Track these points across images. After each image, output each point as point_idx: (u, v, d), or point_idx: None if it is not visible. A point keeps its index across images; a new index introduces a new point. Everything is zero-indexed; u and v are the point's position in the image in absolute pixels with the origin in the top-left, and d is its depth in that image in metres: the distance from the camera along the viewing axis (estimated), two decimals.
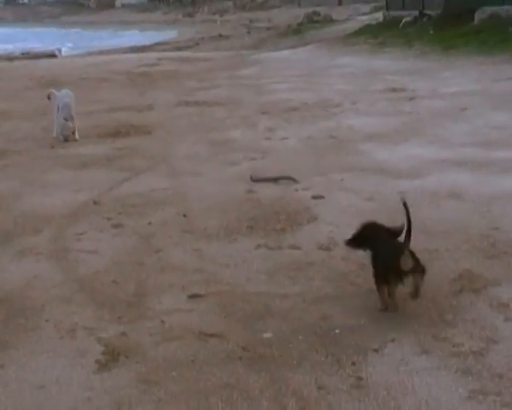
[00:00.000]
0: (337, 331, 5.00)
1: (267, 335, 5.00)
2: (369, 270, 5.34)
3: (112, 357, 4.81)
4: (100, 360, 4.79)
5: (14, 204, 8.45)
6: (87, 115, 14.47)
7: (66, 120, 11.82)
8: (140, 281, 6.05)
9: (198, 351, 4.84)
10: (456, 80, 16.70)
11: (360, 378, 4.42)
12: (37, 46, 43.81)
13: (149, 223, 7.49)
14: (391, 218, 6.88)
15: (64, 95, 12.37)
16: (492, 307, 5.23)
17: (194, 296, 5.70)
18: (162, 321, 5.30)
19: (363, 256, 6.13)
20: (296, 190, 8.36)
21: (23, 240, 7.17)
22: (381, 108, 13.74)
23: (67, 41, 52.08)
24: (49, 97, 12.99)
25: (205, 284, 5.92)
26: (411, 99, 14.47)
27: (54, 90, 12.86)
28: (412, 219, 5.13)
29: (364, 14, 47.95)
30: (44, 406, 4.30)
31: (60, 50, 37.22)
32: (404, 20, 30.38)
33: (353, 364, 4.58)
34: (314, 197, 8.02)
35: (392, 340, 4.84)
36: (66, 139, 11.90)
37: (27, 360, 4.84)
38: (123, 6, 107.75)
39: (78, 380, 4.56)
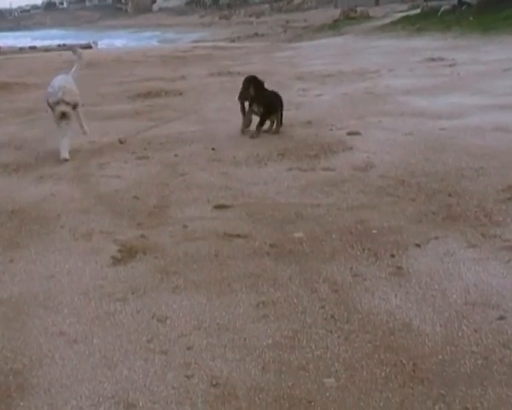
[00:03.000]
0: (374, 232, 4.57)
1: (298, 234, 4.59)
2: None
3: (128, 254, 4.44)
4: (115, 256, 4.42)
5: (37, 146, 8.12)
6: (118, 85, 14.26)
7: None
8: (162, 196, 5.68)
9: (222, 248, 4.44)
10: (497, 52, 16.11)
11: (400, 268, 3.98)
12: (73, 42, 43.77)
13: (175, 155, 7.12)
14: (432, 150, 6.48)
15: None
16: None
17: (219, 207, 5.31)
18: (184, 226, 4.91)
19: (402, 175, 5.74)
20: (331, 129, 7.92)
21: (44, 169, 6.84)
22: (419, 73, 13.23)
23: (104, 39, 52.10)
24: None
25: (232, 198, 5.53)
26: (451, 66, 13.93)
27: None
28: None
29: (402, 11, 47.15)
30: (53, 291, 3.94)
31: (96, 43, 37.15)
32: (442, 9, 29.76)
33: (392, 256, 4.15)
34: (350, 133, 7.58)
35: (436, 237, 4.40)
36: None
37: (38, 257, 4.49)
38: (160, 10, 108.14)
39: (90, 272, 4.20)
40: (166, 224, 4.99)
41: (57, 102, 7.02)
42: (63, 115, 6.99)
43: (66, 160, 6.98)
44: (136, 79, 15.59)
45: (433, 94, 10.19)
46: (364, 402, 2.70)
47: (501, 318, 3.29)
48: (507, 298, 3.48)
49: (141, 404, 2.75)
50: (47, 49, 32.88)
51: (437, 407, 2.64)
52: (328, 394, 2.76)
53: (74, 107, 7.17)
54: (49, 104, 7.24)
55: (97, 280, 4.05)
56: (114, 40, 48.33)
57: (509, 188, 5.22)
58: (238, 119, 8.90)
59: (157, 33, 65.78)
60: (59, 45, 35.04)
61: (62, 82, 7.21)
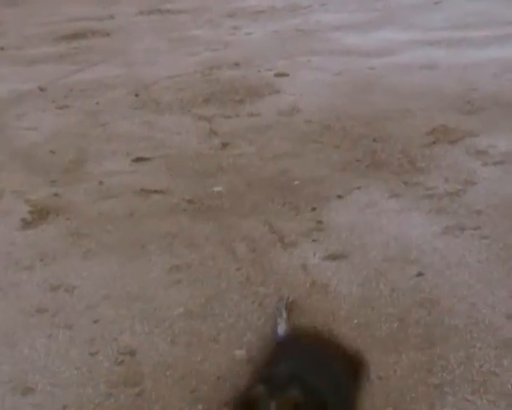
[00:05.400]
0: (296, 183, 4.44)
1: (217, 188, 4.43)
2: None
3: (39, 215, 4.23)
4: (25, 218, 4.20)
5: None
6: (43, 25, 13.68)
7: None
8: (80, 149, 5.43)
9: (138, 206, 4.27)
10: None
11: (320, 222, 3.86)
12: None
13: (97, 103, 6.83)
14: (360, 91, 6.35)
15: None
16: (470, 154, 4.69)
17: (138, 159, 5.11)
18: (101, 182, 4.71)
19: (328, 119, 5.60)
20: (259, 71, 7.70)
21: None
22: (351, 8, 12.97)
23: None
24: None
25: (152, 149, 5.33)
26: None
27: None
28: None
29: None
30: None
31: None
32: None
33: (313, 209, 4.02)
34: (277, 75, 7.37)
35: (358, 187, 4.29)
36: None
37: None
38: None
39: None
40: (82, 180, 4.78)
41: None
42: None
43: None
44: (62, 18, 14.97)
45: (364, 30, 10.01)
46: None
47: (419, 274, 3.20)
48: (426, 253, 3.39)
49: (39, 388, 2.59)
50: None
51: None
52: (238, 368, 2.64)
53: None
54: None
55: (5, 246, 3.84)
56: None
57: (433, 131, 5.13)
58: (164, 60, 8.67)
59: None
60: None
61: None
